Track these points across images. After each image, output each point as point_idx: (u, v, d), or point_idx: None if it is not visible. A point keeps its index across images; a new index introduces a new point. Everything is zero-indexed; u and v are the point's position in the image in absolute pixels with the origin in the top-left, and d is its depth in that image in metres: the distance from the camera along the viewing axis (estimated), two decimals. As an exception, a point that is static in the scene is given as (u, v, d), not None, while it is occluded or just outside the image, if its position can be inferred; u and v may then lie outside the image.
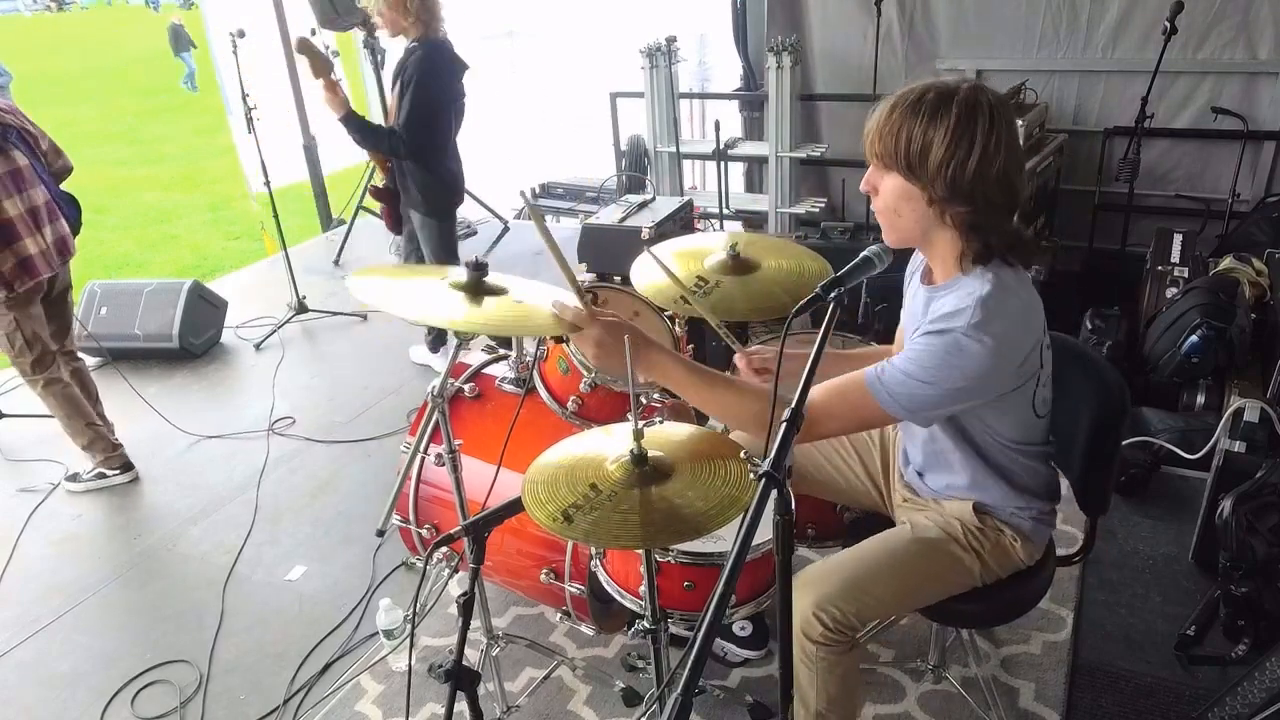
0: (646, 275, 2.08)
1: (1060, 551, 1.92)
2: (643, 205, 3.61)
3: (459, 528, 1.66)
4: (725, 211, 5.10)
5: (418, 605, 1.96)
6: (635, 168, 5.74)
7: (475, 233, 5.93)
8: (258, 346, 4.55)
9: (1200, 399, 3.31)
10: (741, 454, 1.57)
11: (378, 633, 2.54)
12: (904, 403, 1.52)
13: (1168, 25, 3.77)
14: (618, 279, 2.51)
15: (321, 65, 3.32)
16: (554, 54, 6.49)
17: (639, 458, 1.52)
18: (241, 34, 4.31)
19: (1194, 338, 3.26)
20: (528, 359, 2.38)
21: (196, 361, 4.42)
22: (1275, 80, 4.33)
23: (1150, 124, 4.14)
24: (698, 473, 1.53)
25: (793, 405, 1.27)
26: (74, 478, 3.43)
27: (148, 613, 2.82)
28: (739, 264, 2.05)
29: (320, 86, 3.34)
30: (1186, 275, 3.82)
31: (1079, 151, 4.77)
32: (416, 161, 3.45)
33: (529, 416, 2.27)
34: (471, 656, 2.18)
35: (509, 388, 2.44)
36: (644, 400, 2.28)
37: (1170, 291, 3.74)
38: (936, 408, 1.55)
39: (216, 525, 3.19)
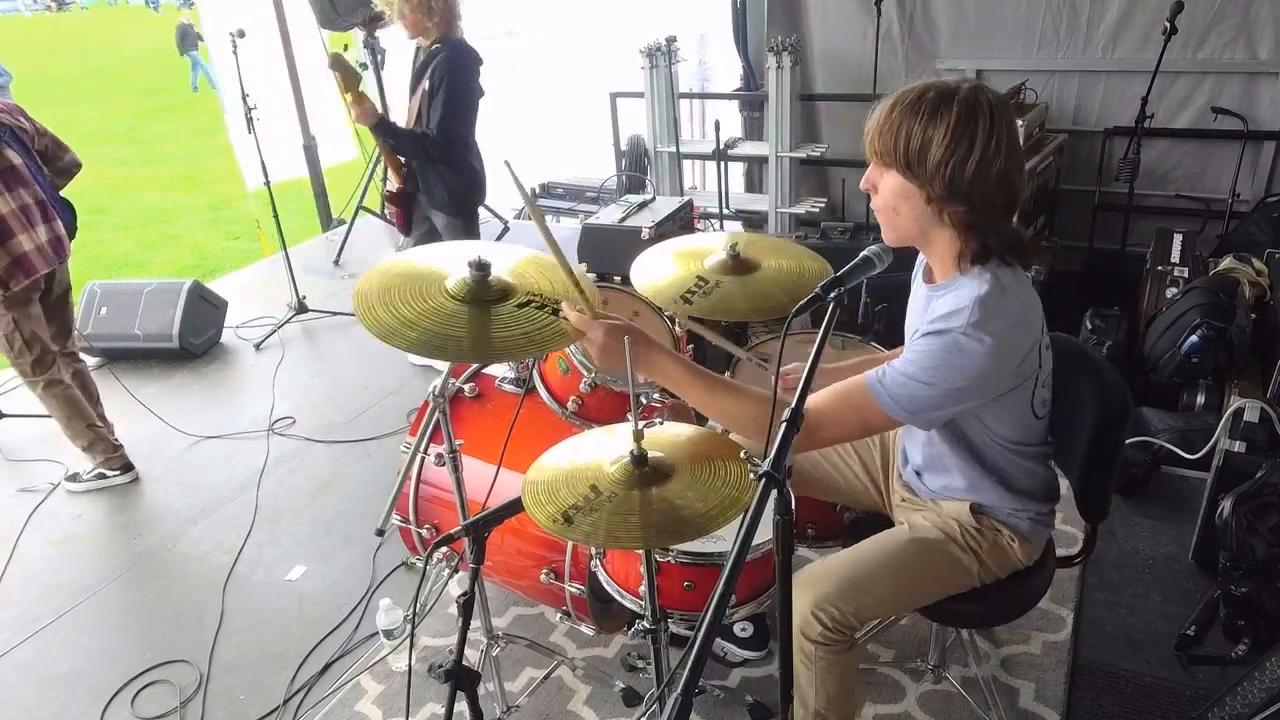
0: (647, 275, 2.08)
1: (1060, 552, 1.92)
2: (643, 205, 3.61)
3: (459, 528, 1.66)
4: (725, 211, 5.10)
5: (418, 605, 1.96)
6: (635, 168, 5.74)
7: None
8: (258, 346, 4.55)
9: (1200, 399, 3.31)
10: (741, 454, 1.57)
11: (378, 633, 2.54)
12: (905, 405, 1.52)
13: (1168, 25, 3.77)
14: (618, 279, 2.51)
15: (352, 80, 3.31)
16: (554, 54, 6.48)
17: (639, 458, 1.52)
18: (241, 34, 4.31)
19: (1194, 338, 3.26)
20: (528, 359, 2.38)
21: (196, 361, 4.42)
22: (1275, 80, 4.33)
23: (1150, 124, 4.14)
24: (698, 473, 1.53)
25: (792, 406, 1.27)
26: (74, 478, 3.43)
27: (148, 613, 2.82)
28: (739, 264, 2.05)
29: (349, 101, 3.33)
30: (1186, 275, 3.82)
31: (1079, 151, 4.77)
32: (448, 162, 3.44)
33: (529, 416, 2.27)
34: (471, 656, 2.18)
35: (509, 388, 2.44)
36: (644, 400, 2.28)
37: (1170, 291, 3.74)
38: (937, 409, 1.55)
39: (216, 525, 3.19)
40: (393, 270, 1.71)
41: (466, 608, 1.62)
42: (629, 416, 1.54)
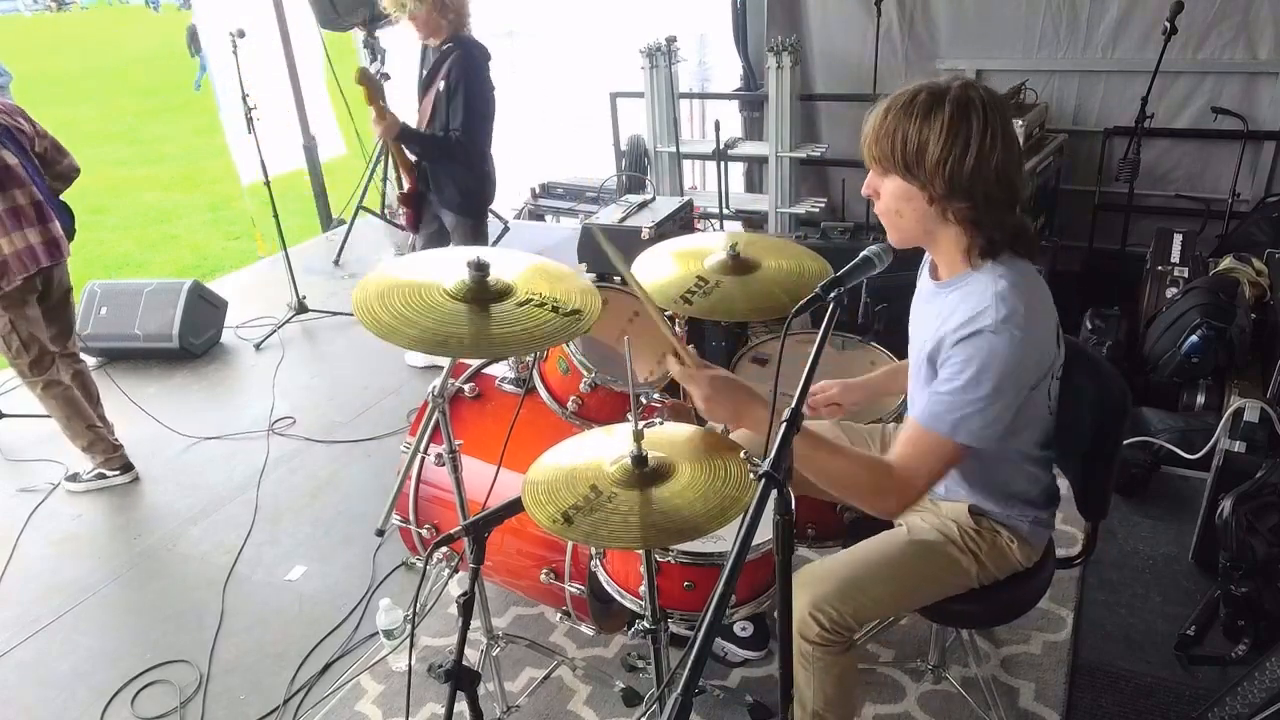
0: (647, 275, 2.08)
1: (1060, 553, 1.92)
2: (643, 205, 3.61)
3: (459, 528, 1.66)
4: (725, 211, 5.10)
5: (418, 605, 1.96)
6: (635, 168, 5.74)
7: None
8: (258, 346, 4.55)
9: (1200, 399, 3.31)
10: (741, 454, 1.58)
11: (378, 633, 2.54)
12: (959, 422, 1.51)
13: (1168, 25, 3.77)
14: (618, 279, 2.51)
15: (375, 92, 3.31)
16: (554, 54, 6.48)
17: (639, 458, 1.52)
18: (241, 34, 4.31)
19: (1194, 338, 3.26)
20: (528, 359, 2.38)
21: (196, 361, 4.42)
22: (1275, 80, 4.33)
23: (1150, 124, 4.14)
24: (698, 473, 1.53)
25: (793, 406, 1.27)
26: (74, 478, 3.43)
27: (148, 613, 2.82)
28: (739, 264, 2.05)
29: (371, 113, 3.32)
30: (1186, 275, 3.82)
31: (1079, 151, 4.77)
32: (464, 161, 3.44)
33: (529, 416, 2.27)
34: (471, 656, 2.18)
35: (509, 388, 2.44)
36: (644, 400, 2.28)
37: (1170, 291, 3.74)
38: (989, 415, 1.52)
39: (216, 525, 3.19)
40: (390, 278, 1.72)
41: (466, 608, 1.62)
42: (629, 416, 1.55)
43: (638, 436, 1.52)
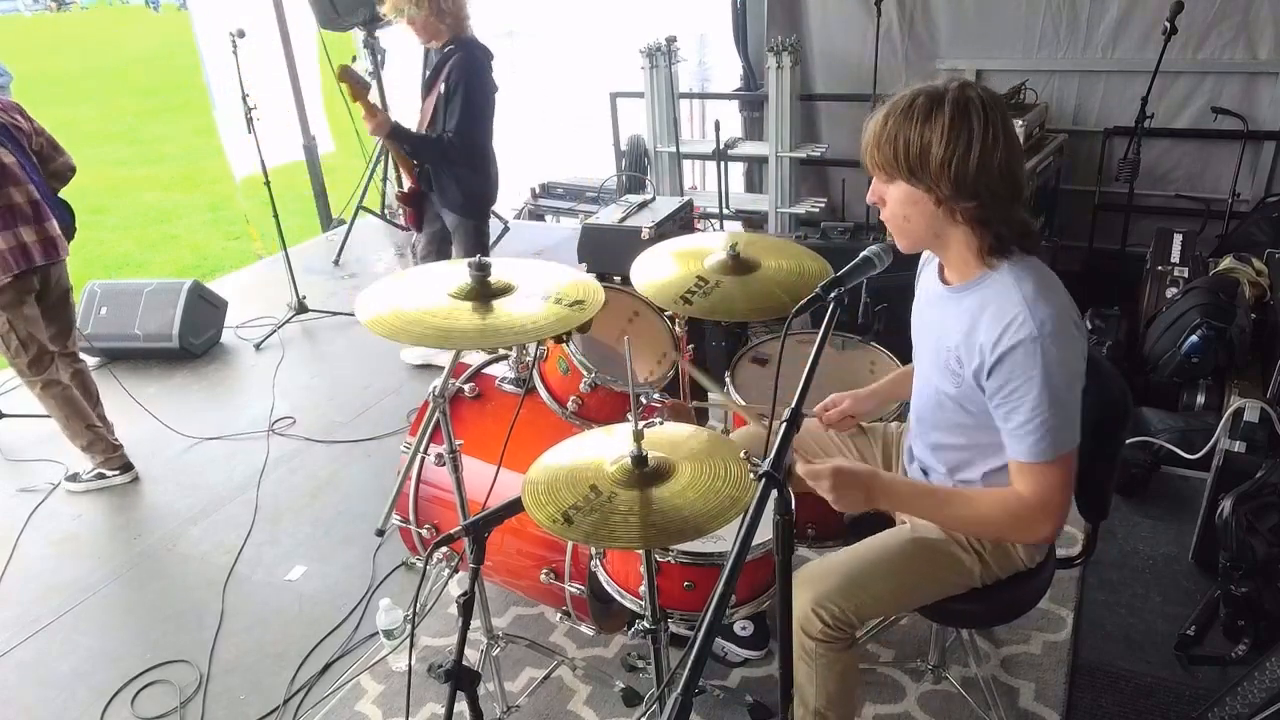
0: (647, 275, 2.08)
1: (1060, 553, 1.92)
2: (643, 205, 3.61)
3: (459, 528, 1.66)
4: (725, 211, 5.10)
5: (418, 605, 1.96)
6: (635, 168, 5.74)
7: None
8: (258, 346, 4.55)
9: (1200, 399, 3.31)
10: (741, 454, 1.58)
11: (378, 633, 2.54)
12: (1060, 438, 1.50)
13: (1168, 25, 3.77)
14: (618, 279, 2.51)
15: (360, 90, 3.30)
16: (554, 54, 6.48)
17: (639, 458, 1.52)
18: (241, 34, 4.31)
19: (1194, 338, 3.25)
20: (528, 359, 2.38)
21: (196, 361, 4.42)
22: (1275, 80, 4.33)
23: (1150, 124, 4.14)
24: (698, 473, 1.53)
25: (792, 405, 1.27)
26: (74, 478, 3.43)
27: (148, 613, 2.82)
28: (739, 264, 2.05)
29: (361, 112, 3.31)
30: (1186, 275, 3.82)
31: (1079, 151, 4.77)
32: (465, 163, 3.43)
33: (529, 416, 2.27)
34: (471, 656, 2.18)
35: (509, 388, 2.44)
36: (644, 400, 2.28)
37: (1170, 291, 3.74)
38: (1074, 412, 1.52)
39: (216, 525, 3.19)
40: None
41: (466, 608, 1.62)
42: (629, 416, 1.55)
43: (638, 436, 1.52)
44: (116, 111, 13.33)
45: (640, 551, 1.74)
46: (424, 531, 2.47)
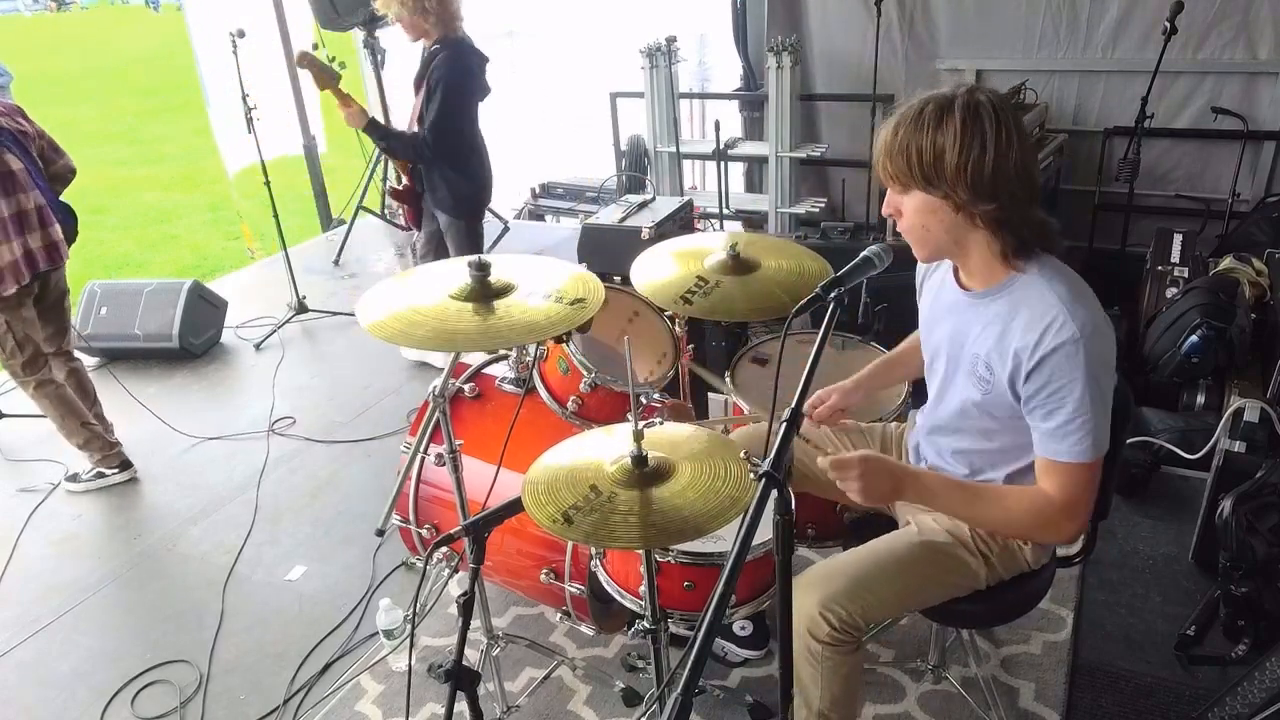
0: (647, 275, 2.08)
1: (1060, 552, 1.92)
2: (643, 205, 3.61)
3: (459, 528, 1.66)
4: (725, 211, 5.10)
5: (418, 605, 1.96)
6: (635, 168, 5.74)
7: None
8: (258, 346, 4.55)
9: (1200, 399, 3.31)
10: (741, 454, 1.58)
11: (378, 633, 2.54)
12: (1095, 439, 1.50)
13: (1168, 25, 3.77)
14: (618, 279, 2.51)
15: (326, 77, 3.28)
16: (554, 54, 6.49)
17: (639, 458, 1.52)
18: (241, 34, 4.31)
19: (1194, 338, 3.25)
20: (528, 359, 2.38)
21: (196, 361, 4.42)
22: (1275, 80, 4.33)
23: (1150, 124, 4.14)
24: (698, 473, 1.53)
25: (792, 405, 1.27)
26: (74, 478, 3.43)
27: (148, 613, 2.82)
28: (739, 264, 2.05)
29: (335, 102, 3.31)
30: (1186, 275, 3.82)
31: (1079, 151, 4.77)
32: (449, 163, 3.43)
33: (529, 416, 2.27)
34: (471, 656, 2.18)
35: (509, 388, 2.44)
36: (644, 400, 2.28)
37: (1170, 291, 3.74)
38: (1107, 413, 1.53)
39: (216, 525, 3.19)
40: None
41: (466, 608, 1.62)
42: (629, 416, 1.55)
43: (638, 436, 1.52)
44: (116, 111, 13.32)
45: (640, 551, 1.74)
46: (424, 531, 2.47)
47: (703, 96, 6.10)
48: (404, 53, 5.04)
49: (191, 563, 3.02)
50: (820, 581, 1.68)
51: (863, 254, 1.50)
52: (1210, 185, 4.61)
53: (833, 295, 1.42)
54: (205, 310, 4.53)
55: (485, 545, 1.66)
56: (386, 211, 5.75)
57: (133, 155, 10.80)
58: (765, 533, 1.52)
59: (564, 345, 2.17)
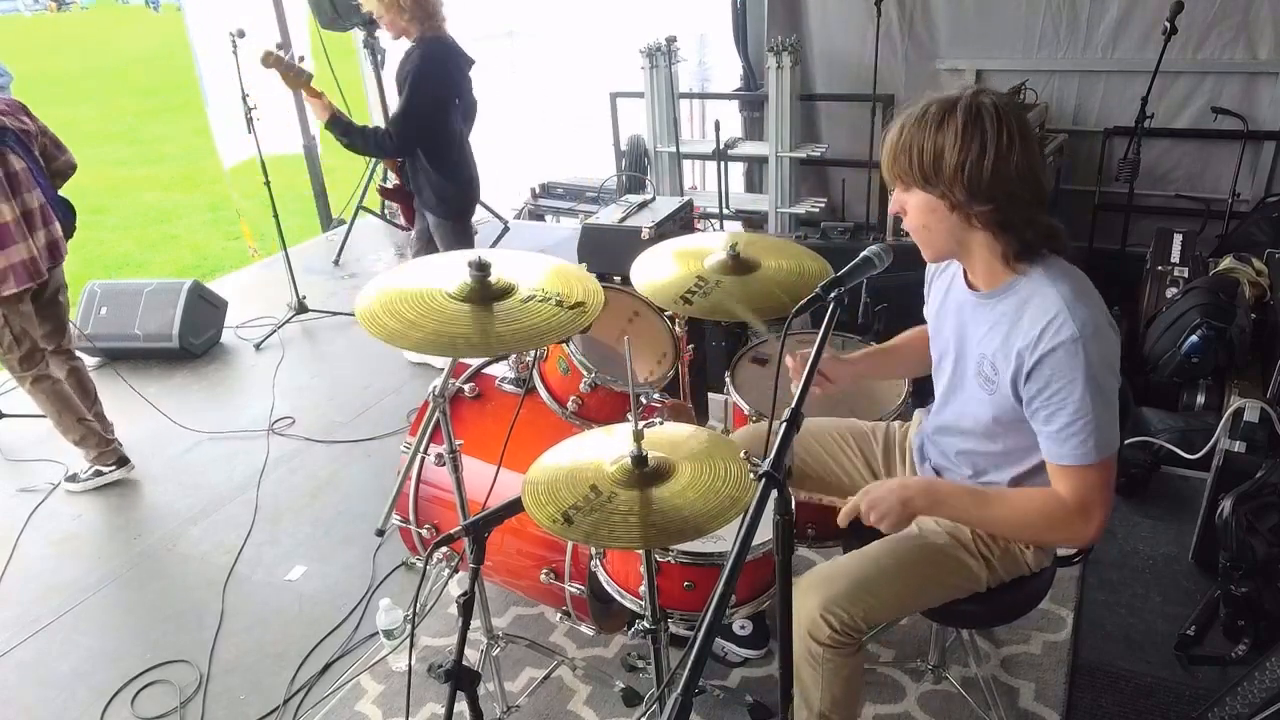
0: (647, 275, 2.08)
1: (1060, 552, 1.92)
2: (643, 205, 3.61)
3: (459, 528, 1.66)
4: (725, 211, 5.10)
5: (418, 605, 1.96)
6: (635, 168, 5.74)
7: (476, 232, 5.91)
8: (258, 346, 4.55)
9: (1200, 399, 3.31)
10: (741, 454, 1.58)
11: (378, 633, 2.54)
12: (1102, 440, 1.50)
13: (1168, 25, 3.77)
14: (618, 279, 2.51)
15: (294, 76, 3.29)
16: (554, 54, 6.49)
17: (639, 458, 1.52)
18: (241, 34, 4.31)
19: (1194, 338, 3.25)
20: (528, 359, 2.38)
21: (196, 361, 4.42)
22: (1275, 80, 4.33)
23: (1150, 124, 4.14)
24: (698, 473, 1.53)
25: (792, 405, 1.27)
26: (74, 478, 3.42)
27: (148, 613, 2.82)
28: (739, 264, 2.05)
29: (305, 98, 3.32)
30: (1186, 275, 3.82)
31: (1079, 151, 4.77)
32: (429, 161, 3.43)
33: (529, 416, 2.27)
34: (471, 656, 2.18)
35: (509, 388, 2.44)
36: (644, 400, 2.28)
37: (1170, 291, 3.74)
38: (1114, 413, 1.52)
39: (216, 525, 3.19)
40: (391, 289, 1.74)
41: (466, 608, 1.62)
42: (629, 416, 1.55)
43: (638, 436, 1.52)
44: (116, 111, 13.32)
45: (640, 551, 1.74)
46: (424, 531, 2.47)
47: (703, 96, 6.10)
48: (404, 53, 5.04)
49: (191, 563, 3.02)
50: (821, 584, 1.68)
51: (863, 254, 1.50)
52: (1210, 185, 4.61)
53: (833, 295, 1.43)
54: (205, 310, 4.53)
55: (485, 545, 1.66)
56: (386, 211, 5.74)
57: (133, 155, 10.80)
58: (765, 533, 1.52)
59: (564, 345, 2.17)
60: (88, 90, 14.91)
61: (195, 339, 4.42)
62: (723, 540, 1.87)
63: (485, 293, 1.72)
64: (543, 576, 2.24)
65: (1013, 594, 1.80)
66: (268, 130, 4.48)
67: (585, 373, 2.18)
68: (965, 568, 1.74)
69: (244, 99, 4.32)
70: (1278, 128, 4.37)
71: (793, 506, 1.30)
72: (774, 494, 1.20)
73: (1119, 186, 4.28)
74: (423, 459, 2.40)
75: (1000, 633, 2.45)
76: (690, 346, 2.52)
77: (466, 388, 2.44)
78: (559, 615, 2.47)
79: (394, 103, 3.50)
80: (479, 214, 5.90)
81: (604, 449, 1.60)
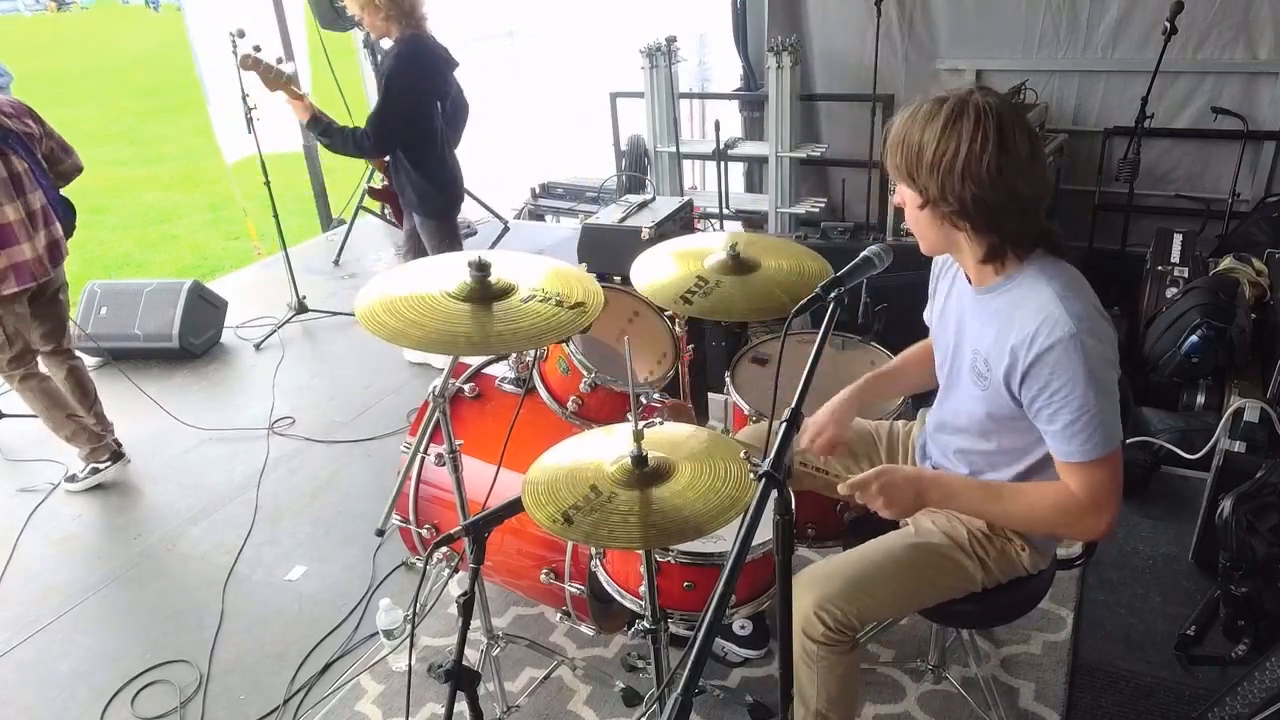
0: (647, 275, 2.08)
1: (1061, 553, 1.92)
2: (643, 205, 3.61)
3: (459, 528, 1.66)
4: (725, 211, 5.10)
5: (418, 605, 1.96)
6: (635, 168, 5.74)
7: (475, 233, 5.93)
8: (258, 346, 4.55)
9: (1200, 399, 3.31)
10: (741, 454, 1.58)
11: (378, 633, 2.54)
12: (1104, 435, 1.49)
13: (1168, 25, 3.77)
14: (618, 279, 2.51)
15: (274, 78, 3.29)
16: (554, 54, 6.48)
17: (639, 458, 1.52)
18: (241, 34, 4.30)
19: (1194, 338, 3.26)
20: (528, 359, 2.38)
21: (196, 361, 4.42)
22: (1275, 80, 4.33)
23: (1150, 124, 4.14)
24: (698, 473, 1.53)
25: (792, 405, 1.27)
26: (73, 478, 3.42)
27: (148, 613, 2.82)
28: (739, 264, 2.04)
29: (285, 99, 3.32)
30: (1186, 275, 3.82)
31: (1079, 151, 4.77)
32: (409, 161, 3.44)
33: (529, 416, 2.27)
34: (471, 656, 2.18)
35: (509, 388, 2.44)
36: (644, 400, 2.28)
37: (1170, 291, 3.74)
38: (1115, 407, 1.52)
39: (216, 525, 3.19)
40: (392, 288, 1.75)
41: (466, 608, 1.62)
42: (629, 416, 1.55)
43: (638, 436, 1.52)
44: (116, 111, 13.32)
45: (640, 551, 1.74)
46: (424, 531, 2.47)
47: (703, 96, 6.10)
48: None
49: (191, 563, 3.02)
50: (816, 582, 1.68)
51: (863, 254, 1.50)
52: (1210, 185, 4.61)
53: (833, 295, 1.43)
54: (205, 310, 4.53)
55: (485, 545, 1.66)
56: (386, 211, 5.74)
57: (133, 155, 10.80)
58: (765, 533, 1.52)
59: (564, 345, 2.17)
60: (88, 90, 14.91)
61: (195, 339, 4.42)
62: (723, 540, 1.87)
63: (485, 292, 1.72)
64: (543, 576, 2.24)
65: (1009, 594, 1.80)
66: (268, 129, 4.48)
67: (585, 373, 2.18)
68: (961, 568, 1.74)
69: (244, 99, 4.32)
70: (1278, 128, 4.37)
71: (793, 506, 1.30)
72: (774, 494, 1.20)
73: (1119, 186, 4.28)
74: (423, 459, 2.40)
75: (1000, 633, 2.45)
76: (690, 346, 2.52)
77: (466, 388, 2.44)
78: (559, 615, 2.47)
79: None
80: (479, 214, 5.93)
81: (604, 449, 1.60)
